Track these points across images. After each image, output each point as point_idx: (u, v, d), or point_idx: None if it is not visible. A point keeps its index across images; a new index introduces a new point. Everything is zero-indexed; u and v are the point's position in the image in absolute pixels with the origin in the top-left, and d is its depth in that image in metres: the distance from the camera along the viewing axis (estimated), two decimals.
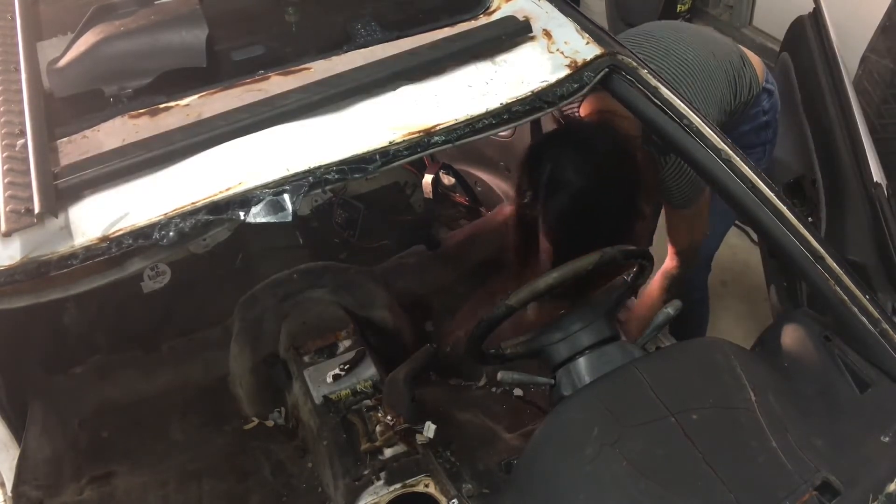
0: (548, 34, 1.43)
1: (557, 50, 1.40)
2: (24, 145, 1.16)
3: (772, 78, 2.11)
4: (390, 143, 1.23)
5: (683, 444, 1.25)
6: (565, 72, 1.36)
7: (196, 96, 1.32)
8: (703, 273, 2.48)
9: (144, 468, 1.94)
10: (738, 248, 3.26)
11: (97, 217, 1.13)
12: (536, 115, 1.34)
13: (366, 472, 1.71)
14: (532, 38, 1.42)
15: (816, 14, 2.03)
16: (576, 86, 1.35)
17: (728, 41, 2.10)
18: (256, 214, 1.14)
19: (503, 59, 1.38)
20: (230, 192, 1.15)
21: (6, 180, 1.11)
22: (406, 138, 1.24)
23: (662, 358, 1.57)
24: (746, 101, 2.03)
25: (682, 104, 1.42)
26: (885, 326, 1.37)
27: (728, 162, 1.41)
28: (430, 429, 1.74)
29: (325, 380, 1.93)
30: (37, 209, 1.06)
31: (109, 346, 2.20)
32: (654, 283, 2.18)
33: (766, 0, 4.09)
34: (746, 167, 1.42)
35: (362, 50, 1.42)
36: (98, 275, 1.14)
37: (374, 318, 2.20)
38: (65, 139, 1.25)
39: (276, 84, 1.33)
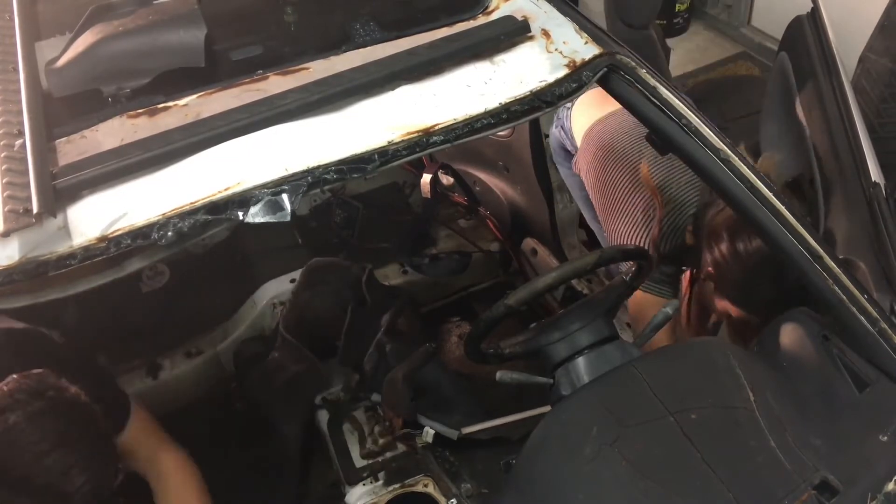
0: (546, 34, 1.43)
1: (556, 49, 1.40)
2: (23, 145, 1.16)
3: None
4: (389, 142, 1.23)
5: (682, 444, 1.25)
6: (564, 71, 1.36)
7: (194, 96, 1.32)
8: None
9: None
10: None
11: (96, 217, 1.12)
12: (535, 114, 1.34)
13: (365, 473, 1.71)
14: (531, 38, 1.42)
15: (815, 13, 2.02)
16: (574, 85, 1.35)
17: None
18: (255, 214, 1.14)
19: (502, 58, 1.38)
20: (229, 192, 1.15)
21: (4, 180, 1.11)
22: (405, 138, 1.24)
23: (661, 357, 1.57)
24: None
25: (682, 104, 1.42)
26: (884, 326, 1.37)
27: (727, 162, 1.41)
28: (428, 434, 1.74)
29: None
30: (35, 209, 1.06)
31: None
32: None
33: (764, 0, 4.10)
34: (745, 166, 1.42)
35: (361, 50, 1.42)
36: (97, 275, 1.14)
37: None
38: (63, 139, 1.24)
39: (275, 84, 1.33)
